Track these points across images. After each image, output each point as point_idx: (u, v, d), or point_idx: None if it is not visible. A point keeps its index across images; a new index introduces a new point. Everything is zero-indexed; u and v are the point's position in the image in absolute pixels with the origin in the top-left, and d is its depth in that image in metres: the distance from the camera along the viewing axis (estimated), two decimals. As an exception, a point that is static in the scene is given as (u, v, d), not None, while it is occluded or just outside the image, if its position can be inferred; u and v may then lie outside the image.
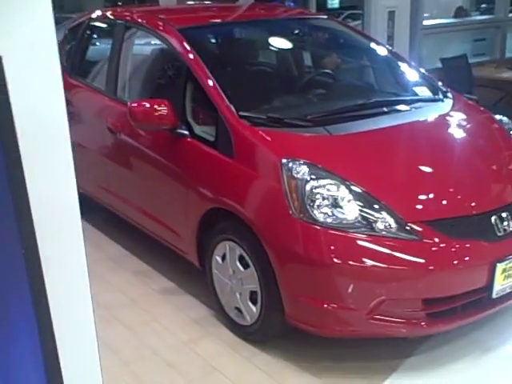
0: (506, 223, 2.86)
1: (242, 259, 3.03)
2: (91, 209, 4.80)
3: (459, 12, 8.37)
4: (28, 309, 1.32)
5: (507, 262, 2.79)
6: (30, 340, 1.35)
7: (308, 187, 2.74)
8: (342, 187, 2.76)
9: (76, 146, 4.47)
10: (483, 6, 12.33)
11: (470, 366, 2.92)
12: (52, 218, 1.34)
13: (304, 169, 2.78)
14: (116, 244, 4.40)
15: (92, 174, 4.52)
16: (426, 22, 6.48)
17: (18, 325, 1.34)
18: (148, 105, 3.32)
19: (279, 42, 4.55)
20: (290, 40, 4.55)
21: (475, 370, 2.89)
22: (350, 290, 2.67)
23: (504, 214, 2.87)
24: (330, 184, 2.76)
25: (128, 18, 4.30)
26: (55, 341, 1.36)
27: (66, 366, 1.48)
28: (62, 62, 4.25)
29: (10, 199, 1.18)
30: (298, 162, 2.80)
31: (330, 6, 20.64)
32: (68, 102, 4.40)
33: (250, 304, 3.03)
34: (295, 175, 2.77)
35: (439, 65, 6.26)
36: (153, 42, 4.03)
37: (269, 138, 3.01)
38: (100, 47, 4.97)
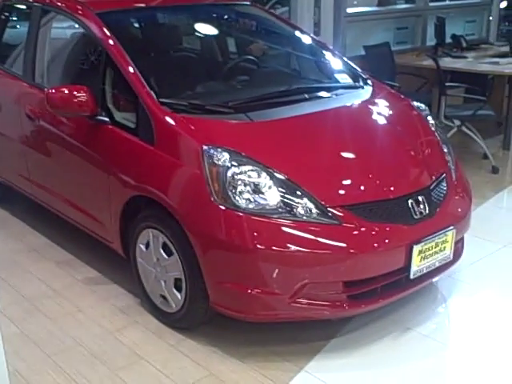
0: (422, 206, 2.96)
1: (165, 247, 3.02)
2: (12, 198, 4.68)
3: (383, 0, 8.52)
4: None
5: (423, 243, 2.89)
6: None
7: (229, 174, 2.75)
8: (263, 173, 2.78)
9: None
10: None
11: (391, 345, 3.01)
12: None
13: (225, 155, 2.78)
14: (39, 234, 4.30)
15: (11, 162, 4.40)
16: (349, 10, 6.55)
17: None
18: (67, 91, 3.24)
19: (203, 28, 4.52)
20: (214, 26, 4.53)
21: (396, 348, 2.99)
22: (272, 274, 2.70)
23: (420, 198, 2.97)
24: (251, 170, 2.78)
25: (48, 0, 4.16)
26: None
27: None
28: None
29: None
30: (219, 149, 2.80)
31: (259, -8, 20.64)
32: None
33: (175, 291, 3.03)
34: (216, 162, 2.77)
35: (363, 52, 6.37)
36: (72, 27, 3.92)
37: (190, 125, 2.99)
38: (17, 30, 4.80)
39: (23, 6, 4.70)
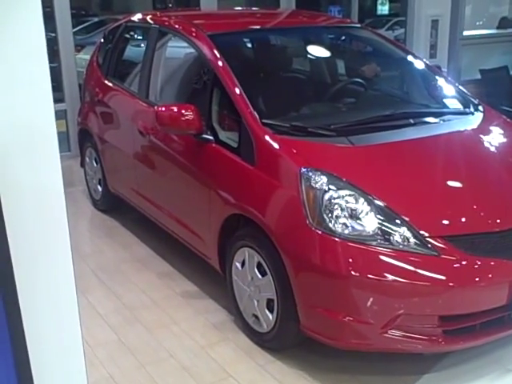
0: (528, 242, 2.80)
1: (260, 266, 3.04)
2: (122, 209, 4.90)
3: (503, 23, 8.21)
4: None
5: (529, 281, 2.73)
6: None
7: (326, 197, 2.73)
8: (361, 199, 2.74)
9: (110, 148, 4.63)
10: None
11: (488, 386, 2.86)
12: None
13: (323, 179, 2.77)
14: (144, 245, 4.46)
15: (124, 176, 4.61)
16: (467, 33, 6.36)
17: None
18: (175, 109, 3.36)
19: (313, 50, 4.56)
20: (324, 48, 4.55)
21: (494, 390, 2.84)
22: (366, 303, 2.64)
23: (527, 233, 2.81)
24: (349, 195, 2.75)
25: (165, 22, 4.36)
26: (27, 349, 1.39)
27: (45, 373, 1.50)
28: (99, 64, 4.35)
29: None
30: (317, 172, 2.80)
31: (379, 13, 20.51)
32: (101, 103, 4.53)
33: (267, 311, 3.04)
34: (314, 185, 2.76)
35: (479, 76, 6.15)
36: (185, 47, 4.08)
37: (289, 147, 3.01)
38: (135, 50, 5.06)
39: (142, 28, 4.94)
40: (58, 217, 1.45)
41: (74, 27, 6.79)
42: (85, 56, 8.38)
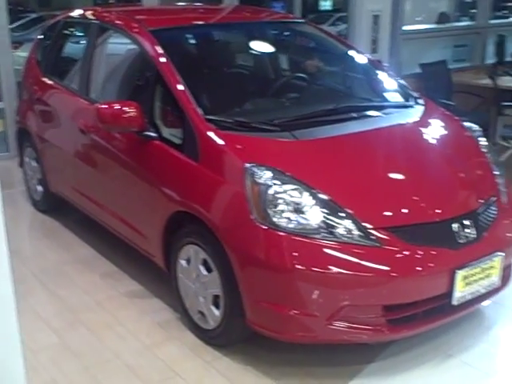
0: (468, 230, 2.86)
1: (205, 263, 3.02)
2: (63, 210, 4.80)
3: (442, 18, 8.40)
4: None
5: (468, 269, 2.80)
6: None
7: (270, 192, 2.73)
8: (306, 193, 2.75)
9: (50, 147, 4.53)
10: (472, 11, 12.34)
11: (431, 372, 2.92)
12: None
13: (267, 174, 2.77)
14: (87, 245, 4.37)
15: (65, 175, 4.51)
16: (407, 28, 6.47)
17: None
18: (117, 106, 3.30)
19: (256, 46, 4.55)
20: (267, 43, 4.54)
21: (437, 376, 2.90)
22: (311, 295, 2.66)
23: (467, 222, 2.88)
24: (293, 189, 2.75)
25: (105, 18, 4.28)
26: None
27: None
28: (38, 61, 4.23)
29: None
30: (261, 167, 2.79)
31: (321, 8, 20.72)
32: (40, 101, 4.41)
33: (213, 308, 3.02)
34: (258, 180, 2.76)
35: (419, 70, 6.27)
36: (127, 44, 4.01)
37: (233, 143, 3.00)
38: (75, 47, 4.95)
39: (82, 24, 4.84)
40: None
41: (11, 23, 6.58)
42: (23, 53, 8.14)
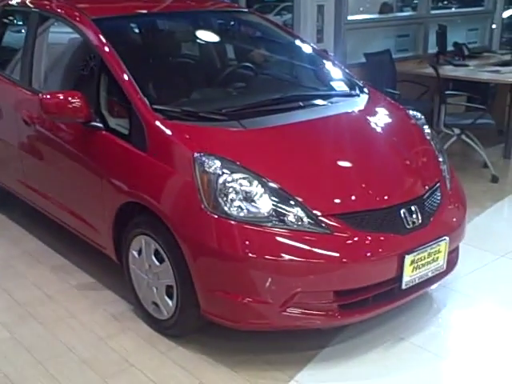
0: (414, 216, 2.94)
1: (157, 254, 3.01)
2: (10, 203, 4.69)
3: (384, 8, 8.54)
4: None
5: (416, 253, 2.87)
6: None
7: (220, 181, 2.74)
8: (255, 182, 2.77)
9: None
10: (415, 1, 12.57)
11: (384, 355, 2.99)
12: None
13: (216, 163, 2.78)
14: (35, 239, 4.31)
15: (9, 167, 4.41)
16: (351, 17, 6.55)
17: None
18: (61, 97, 3.25)
19: (201, 35, 4.52)
20: (212, 33, 4.54)
21: (388, 358, 2.97)
22: (263, 283, 2.69)
23: (413, 208, 2.96)
24: (243, 178, 2.77)
25: (46, 6, 4.18)
26: None
27: None
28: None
29: None
30: (210, 157, 2.80)
31: (267, -2, 20.71)
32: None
33: (167, 298, 3.02)
34: (207, 169, 2.76)
35: (364, 60, 6.37)
36: (69, 33, 3.92)
37: (181, 132, 2.99)
38: (15, 36, 4.82)
39: (22, 12, 4.71)
40: None
41: None
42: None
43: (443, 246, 3.01)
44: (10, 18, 4.95)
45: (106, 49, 3.38)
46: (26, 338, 3.14)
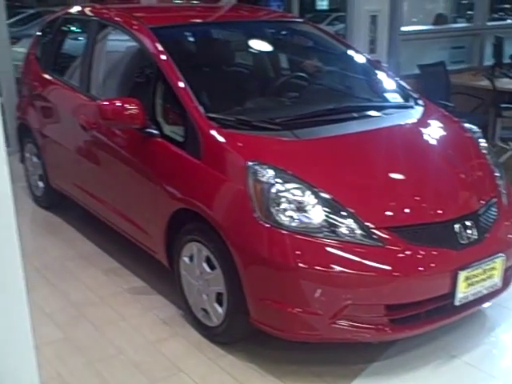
0: (469, 231, 2.89)
1: (208, 261, 3.04)
2: (66, 206, 4.81)
3: (438, 19, 8.43)
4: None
5: (470, 270, 2.82)
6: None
7: (273, 191, 2.75)
8: (308, 192, 2.77)
9: (51, 143, 4.53)
10: (469, 12, 12.38)
11: (434, 372, 2.93)
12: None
13: (270, 172, 2.79)
14: (89, 241, 4.39)
15: (66, 171, 4.52)
16: (405, 28, 6.50)
17: None
18: (118, 103, 3.32)
19: (256, 44, 4.56)
20: (267, 42, 4.56)
21: (439, 376, 2.91)
22: (314, 294, 2.68)
23: (468, 223, 2.90)
24: (296, 188, 2.78)
25: (104, 15, 4.29)
26: None
27: None
28: (37, 57, 4.24)
29: None
30: (263, 166, 2.82)
31: (318, 8, 20.77)
32: (41, 97, 4.41)
33: (216, 305, 3.04)
34: (260, 178, 2.78)
35: (417, 71, 6.30)
36: (126, 41, 4.02)
37: (235, 141, 3.02)
38: (74, 43, 4.95)
39: (81, 20, 4.84)
40: (5, 214, 1.43)
41: (8, 19, 6.58)
42: (21, 49, 8.13)
43: (499, 262, 2.94)
44: (69, 26, 5.09)
45: (163, 57, 3.44)
46: (78, 338, 3.21)
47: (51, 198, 4.89)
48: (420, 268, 2.75)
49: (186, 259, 3.20)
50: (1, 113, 1.39)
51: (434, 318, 2.88)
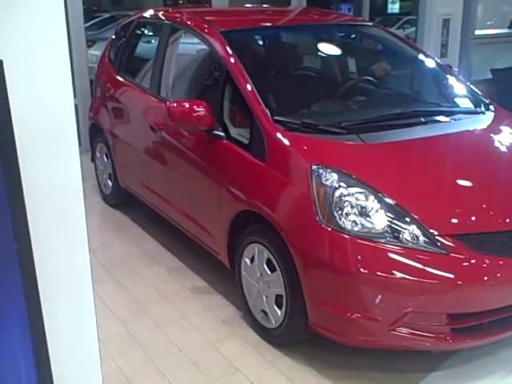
0: (538, 242, 2.80)
1: (269, 262, 3.06)
2: (131, 204, 4.94)
3: (516, 22, 8.17)
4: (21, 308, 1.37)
5: (538, 281, 2.73)
6: (20, 333, 1.41)
7: (337, 194, 2.75)
8: (372, 197, 2.75)
9: (121, 143, 4.66)
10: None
11: (495, 384, 2.87)
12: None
13: (333, 176, 2.79)
14: (153, 240, 4.49)
15: (134, 171, 4.64)
16: (478, 32, 6.35)
17: (9, 317, 1.39)
18: (187, 105, 3.38)
19: (324, 48, 4.57)
20: (335, 46, 4.56)
21: (500, 388, 2.84)
22: (374, 300, 2.65)
23: (537, 233, 2.81)
24: (359, 193, 2.76)
25: (177, 18, 4.39)
26: (45, 335, 1.41)
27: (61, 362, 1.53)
28: (111, 59, 4.38)
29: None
30: (327, 169, 2.81)
31: (390, 11, 20.53)
32: (112, 98, 4.56)
33: (276, 307, 3.06)
34: (324, 182, 2.78)
35: (490, 76, 6.14)
36: (197, 44, 4.10)
37: (300, 144, 3.03)
38: (147, 46, 5.09)
39: (154, 24, 4.97)
40: (76, 209, 1.49)
41: (85, 23, 6.81)
42: (95, 52, 8.42)
43: None
44: (142, 29, 5.23)
45: (232, 60, 3.49)
46: (140, 334, 3.29)
47: (119, 197, 5.03)
48: (485, 277, 2.68)
49: (247, 260, 3.23)
50: (75, 113, 1.45)
51: (498, 330, 2.80)
